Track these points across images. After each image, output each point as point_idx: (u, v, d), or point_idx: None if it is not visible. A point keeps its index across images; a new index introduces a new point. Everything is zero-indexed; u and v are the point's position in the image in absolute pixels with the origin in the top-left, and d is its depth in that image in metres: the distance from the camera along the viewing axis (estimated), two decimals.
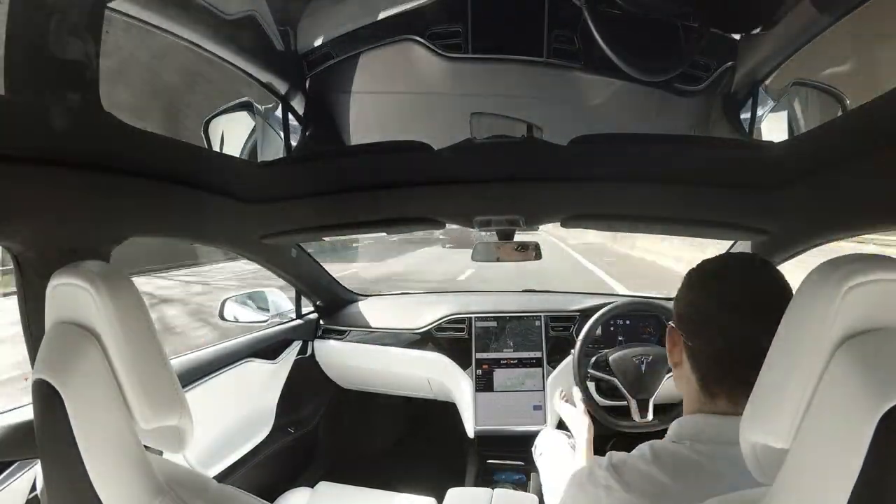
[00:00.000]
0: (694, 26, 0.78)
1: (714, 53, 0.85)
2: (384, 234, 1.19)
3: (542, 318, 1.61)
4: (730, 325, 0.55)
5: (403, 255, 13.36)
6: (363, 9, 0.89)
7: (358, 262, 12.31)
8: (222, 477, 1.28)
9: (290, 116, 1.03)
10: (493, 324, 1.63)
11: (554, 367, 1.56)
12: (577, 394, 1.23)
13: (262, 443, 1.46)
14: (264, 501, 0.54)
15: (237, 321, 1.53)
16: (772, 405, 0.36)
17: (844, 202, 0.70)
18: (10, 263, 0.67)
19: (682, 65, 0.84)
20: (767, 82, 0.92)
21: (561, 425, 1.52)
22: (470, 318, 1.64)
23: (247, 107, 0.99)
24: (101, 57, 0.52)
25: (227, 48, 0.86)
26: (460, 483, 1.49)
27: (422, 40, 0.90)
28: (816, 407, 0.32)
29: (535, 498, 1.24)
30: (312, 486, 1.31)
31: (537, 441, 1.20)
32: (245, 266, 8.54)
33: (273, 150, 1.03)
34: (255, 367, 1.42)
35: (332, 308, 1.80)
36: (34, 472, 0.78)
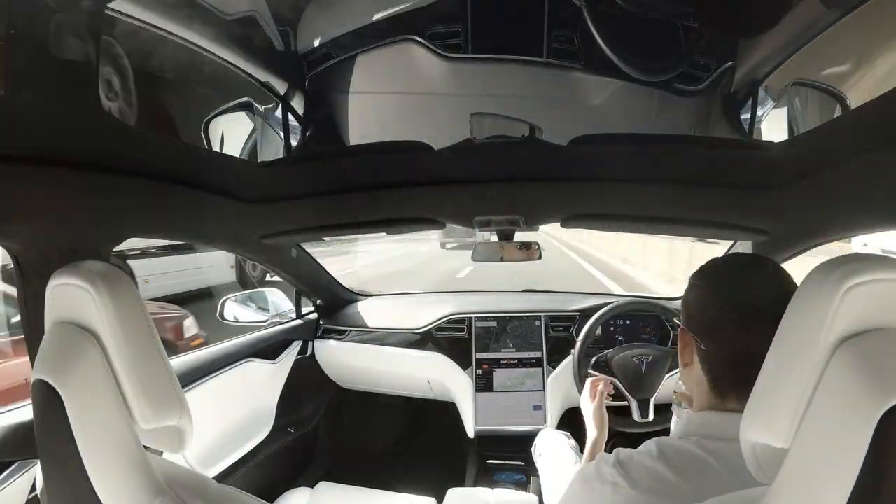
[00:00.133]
0: (694, 26, 0.78)
1: (714, 53, 0.85)
2: (384, 233, 1.19)
3: (542, 318, 1.61)
4: (742, 329, 0.55)
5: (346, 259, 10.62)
6: (363, 9, 0.89)
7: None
8: (222, 477, 1.28)
9: (290, 116, 1.03)
10: (494, 324, 1.63)
11: (554, 367, 1.56)
12: (603, 387, 1.11)
13: (262, 443, 1.46)
14: (264, 501, 0.54)
15: (237, 321, 1.53)
16: (772, 405, 0.36)
17: (844, 202, 0.70)
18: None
19: (682, 65, 0.84)
20: (767, 82, 0.92)
21: (560, 425, 1.52)
22: (470, 318, 1.64)
23: (247, 107, 0.99)
24: (100, 57, 0.52)
25: (227, 48, 0.86)
26: (460, 483, 1.49)
27: (422, 40, 0.89)
28: (816, 407, 0.32)
29: (535, 498, 1.24)
30: (312, 486, 1.31)
31: (537, 441, 1.20)
32: None
33: (273, 150, 1.03)
34: (256, 367, 1.42)
35: (332, 308, 1.80)
36: (34, 472, 0.78)
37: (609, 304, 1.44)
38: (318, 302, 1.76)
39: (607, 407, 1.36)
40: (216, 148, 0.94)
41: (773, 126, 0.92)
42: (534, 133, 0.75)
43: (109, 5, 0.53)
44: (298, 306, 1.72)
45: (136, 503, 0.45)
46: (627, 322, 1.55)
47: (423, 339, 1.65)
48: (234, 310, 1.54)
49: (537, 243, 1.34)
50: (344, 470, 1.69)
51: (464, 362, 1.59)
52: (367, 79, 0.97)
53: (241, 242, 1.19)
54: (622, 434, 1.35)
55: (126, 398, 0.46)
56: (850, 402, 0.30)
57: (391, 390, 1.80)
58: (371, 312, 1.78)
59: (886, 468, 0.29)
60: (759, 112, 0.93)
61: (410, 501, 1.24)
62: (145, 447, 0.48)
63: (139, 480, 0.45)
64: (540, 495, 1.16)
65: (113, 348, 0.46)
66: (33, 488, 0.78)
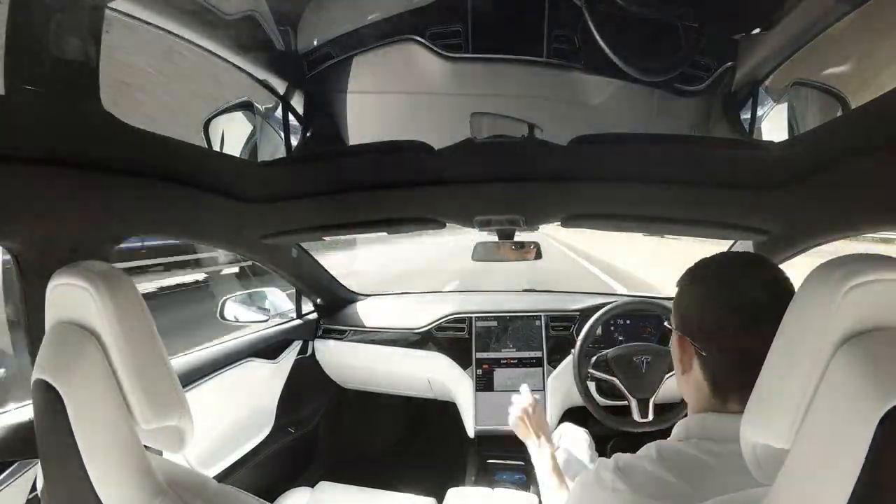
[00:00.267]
0: (694, 26, 0.78)
1: (714, 53, 0.85)
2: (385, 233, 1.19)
3: (543, 318, 1.61)
4: (744, 332, 0.54)
5: None
6: (363, 9, 0.89)
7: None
8: (222, 477, 1.28)
9: (290, 116, 1.03)
10: (494, 323, 1.63)
11: (554, 367, 1.56)
12: (525, 398, 1.10)
13: (262, 443, 1.46)
14: (264, 501, 0.54)
15: (237, 321, 1.53)
16: (772, 405, 0.36)
17: (844, 202, 0.70)
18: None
19: (682, 65, 0.84)
20: (767, 82, 0.92)
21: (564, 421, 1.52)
22: (470, 317, 1.64)
23: (247, 107, 0.99)
24: (100, 57, 0.52)
25: (227, 48, 0.86)
26: (460, 483, 1.49)
27: (422, 40, 0.89)
28: (817, 407, 0.32)
29: (535, 498, 1.24)
30: (312, 486, 1.31)
31: (555, 434, 1.19)
32: None
33: (273, 150, 1.03)
34: (256, 367, 1.42)
35: (333, 308, 1.80)
36: (34, 472, 0.78)
37: (609, 303, 1.44)
38: (319, 301, 1.76)
39: (607, 407, 1.37)
40: (216, 148, 0.94)
41: (773, 126, 0.92)
42: (534, 133, 0.75)
43: (110, 5, 0.53)
44: (299, 306, 1.72)
45: (136, 503, 0.45)
46: (627, 322, 1.55)
47: (424, 339, 1.65)
48: (234, 310, 1.54)
49: (537, 243, 1.34)
50: (344, 470, 1.69)
51: (464, 362, 1.59)
52: (367, 79, 0.97)
53: (241, 242, 1.19)
54: (622, 434, 1.36)
55: (126, 398, 0.46)
56: (851, 403, 0.30)
57: (391, 390, 1.80)
58: (371, 312, 1.78)
59: (887, 468, 0.29)
60: (759, 112, 0.93)
61: (410, 501, 1.24)
62: (145, 447, 0.48)
63: (139, 480, 0.45)
64: (540, 495, 1.16)
65: (113, 348, 0.46)
66: (33, 488, 0.78)
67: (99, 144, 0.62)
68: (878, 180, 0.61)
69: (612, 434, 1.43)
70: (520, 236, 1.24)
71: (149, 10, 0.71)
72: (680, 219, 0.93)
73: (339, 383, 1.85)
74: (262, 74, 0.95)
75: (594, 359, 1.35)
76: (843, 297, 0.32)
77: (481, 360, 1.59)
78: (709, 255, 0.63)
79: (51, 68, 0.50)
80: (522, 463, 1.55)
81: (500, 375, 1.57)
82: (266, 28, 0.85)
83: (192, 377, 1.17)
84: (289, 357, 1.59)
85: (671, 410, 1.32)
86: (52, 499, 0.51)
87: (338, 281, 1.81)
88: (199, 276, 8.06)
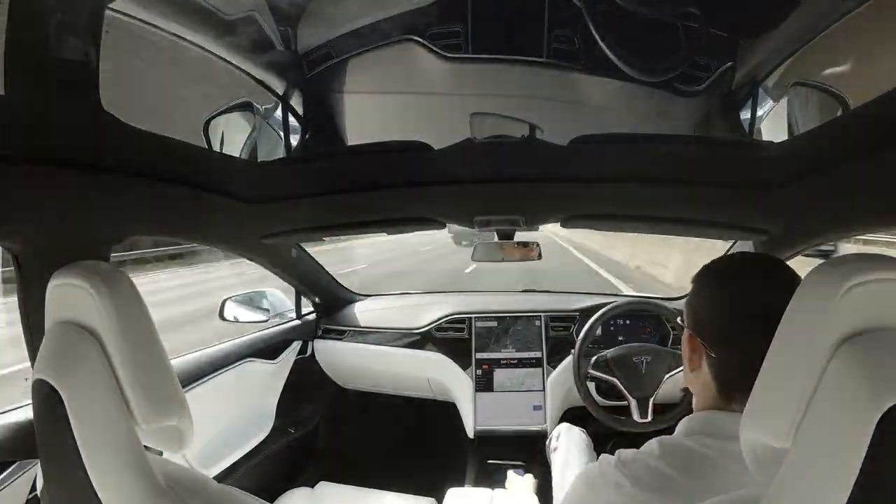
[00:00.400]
0: (694, 26, 0.78)
1: (714, 53, 0.85)
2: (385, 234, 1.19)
3: (542, 318, 1.61)
4: (758, 336, 0.53)
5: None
6: (363, 9, 0.89)
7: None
8: (222, 477, 1.28)
9: (290, 116, 1.02)
10: (494, 324, 1.63)
11: (554, 367, 1.56)
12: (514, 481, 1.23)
13: (262, 443, 1.46)
14: (264, 501, 0.54)
15: (237, 321, 1.53)
16: (772, 404, 0.36)
17: (844, 202, 0.70)
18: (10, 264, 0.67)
19: (682, 65, 0.84)
20: (767, 82, 0.92)
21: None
22: (470, 317, 1.63)
23: (247, 107, 0.99)
24: (100, 57, 0.52)
25: (227, 48, 0.86)
26: (460, 483, 1.49)
27: (422, 40, 0.89)
28: (816, 406, 0.32)
29: (536, 498, 1.24)
30: (312, 486, 1.31)
31: (553, 434, 1.20)
32: None
33: (273, 150, 1.03)
34: (255, 367, 1.42)
35: (332, 308, 1.80)
36: (34, 472, 0.78)
37: (609, 303, 1.44)
38: (318, 302, 1.76)
39: (607, 407, 1.37)
40: (216, 148, 0.94)
41: (773, 126, 0.92)
42: (534, 133, 0.75)
43: (109, 5, 0.53)
44: (298, 306, 1.72)
45: (136, 503, 0.45)
46: (627, 322, 1.55)
47: (423, 339, 1.65)
48: (234, 310, 1.54)
49: (537, 243, 1.34)
50: (344, 470, 1.69)
51: (464, 362, 1.59)
52: (367, 79, 0.97)
53: (241, 242, 1.19)
54: (622, 434, 1.36)
55: (126, 398, 0.46)
56: (851, 402, 0.30)
57: (391, 390, 1.80)
58: (371, 312, 1.78)
59: (886, 468, 0.29)
60: (759, 112, 0.93)
61: (410, 501, 1.24)
62: (145, 447, 0.48)
63: (139, 480, 0.45)
64: (540, 496, 1.16)
65: (113, 348, 0.46)
66: (33, 488, 0.78)
67: (99, 144, 0.62)
68: (878, 180, 0.61)
69: (611, 434, 1.43)
70: (520, 236, 1.24)
71: (149, 10, 0.71)
72: (680, 219, 0.93)
73: (339, 383, 1.85)
74: (262, 74, 0.95)
75: (594, 359, 1.35)
76: (843, 296, 0.32)
77: (481, 360, 1.59)
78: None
79: (51, 68, 0.50)
80: (522, 463, 1.55)
81: (499, 376, 1.57)
82: (266, 28, 0.85)
83: (192, 377, 1.17)
84: (288, 357, 1.59)
85: (671, 410, 1.32)
86: (52, 499, 0.51)
87: (337, 281, 1.81)
88: None
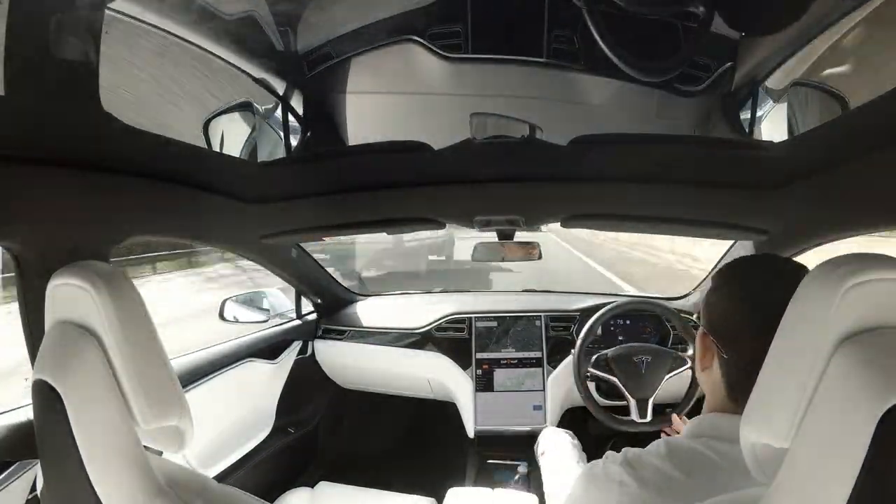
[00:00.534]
0: (694, 26, 0.78)
1: (714, 53, 0.85)
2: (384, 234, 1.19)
3: (543, 318, 1.61)
4: (764, 337, 0.53)
5: None
6: (363, 9, 0.89)
7: None
8: (222, 477, 1.28)
9: (290, 116, 1.03)
10: (494, 324, 1.63)
11: (554, 367, 1.56)
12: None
13: (262, 443, 1.46)
14: (264, 501, 0.54)
15: (237, 321, 1.53)
16: (772, 404, 0.36)
17: (844, 202, 0.71)
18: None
19: (682, 65, 0.84)
20: (767, 82, 0.92)
21: (560, 425, 1.52)
22: (470, 317, 1.64)
23: (247, 107, 0.99)
24: (100, 57, 0.52)
25: (226, 48, 0.86)
26: (460, 483, 1.49)
27: (422, 40, 0.89)
28: (816, 406, 0.32)
29: (535, 498, 1.24)
30: (312, 486, 1.31)
31: (540, 439, 1.20)
32: None
33: (273, 150, 1.03)
34: (255, 368, 1.42)
35: (332, 308, 1.80)
36: (34, 472, 0.78)
37: (609, 303, 1.44)
38: (318, 302, 1.76)
39: (607, 407, 1.37)
40: (216, 148, 0.94)
41: (773, 126, 0.92)
42: (534, 133, 0.75)
43: (109, 5, 0.53)
44: (298, 306, 1.72)
45: (136, 503, 0.45)
46: (627, 322, 1.55)
47: (423, 339, 1.65)
48: (234, 310, 1.54)
49: (537, 243, 1.34)
50: (344, 470, 1.69)
51: (464, 362, 1.59)
52: (367, 79, 0.97)
53: (241, 242, 1.19)
54: (621, 434, 1.36)
55: (126, 398, 0.46)
56: (851, 402, 0.30)
57: (391, 390, 1.80)
58: (371, 312, 1.78)
59: (886, 468, 0.29)
60: (759, 112, 0.93)
61: (410, 501, 1.24)
62: (145, 447, 0.48)
63: (139, 480, 0.45)
64: (541, 496, 1.16)
65: (113, 348, 0.46)
66: (33, 488, 0.78)
67: (99, 144, 0.62)
68: (878, 180, 0.61)
69: (611, 434, 1.43)
70: (520, 236, 1.24)
71: (149, 10, 0.71)
72: (680, 219, 0.93)
73: (339, 384, 1.85)
74: (261, 74, 0.95)
75: (594, 359, 1.35)
76: (843, 296, 0.32)
77: (481, 360, 1.59)
78: None
79: (50, 68, 0.50)
80: (522, 463, 1.55)
81: (499, 376, 1.57)
82: (266, 28, 0.86)
83: (192, 377, 1.17)
84: (289, 357, 1.59)
85: (671, 411, 1.32)
86: (51, 499, 0.51)
87: (337, 281, 1.81)
88: None
